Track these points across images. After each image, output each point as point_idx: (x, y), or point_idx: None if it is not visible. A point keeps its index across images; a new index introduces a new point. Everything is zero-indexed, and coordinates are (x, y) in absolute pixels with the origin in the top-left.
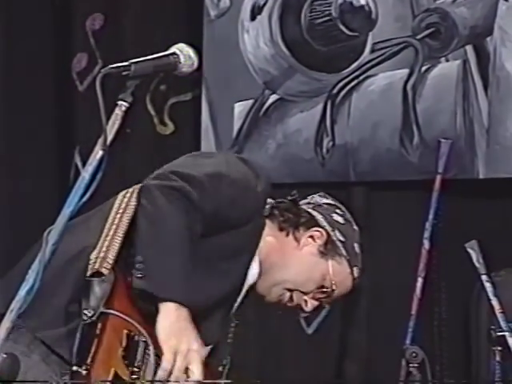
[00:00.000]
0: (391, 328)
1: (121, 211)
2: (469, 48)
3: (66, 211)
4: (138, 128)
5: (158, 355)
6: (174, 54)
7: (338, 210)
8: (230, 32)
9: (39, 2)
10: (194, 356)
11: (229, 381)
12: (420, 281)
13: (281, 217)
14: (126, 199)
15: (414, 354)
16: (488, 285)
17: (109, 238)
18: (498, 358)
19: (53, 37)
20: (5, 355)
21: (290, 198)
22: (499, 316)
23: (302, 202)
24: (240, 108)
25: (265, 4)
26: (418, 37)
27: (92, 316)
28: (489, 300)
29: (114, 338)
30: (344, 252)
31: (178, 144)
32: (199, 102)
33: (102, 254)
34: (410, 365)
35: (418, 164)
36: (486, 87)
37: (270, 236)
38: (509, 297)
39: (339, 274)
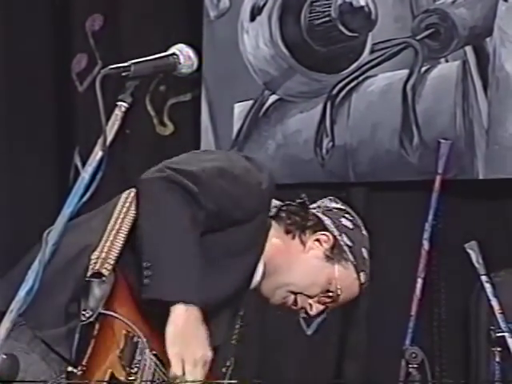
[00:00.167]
0: (391, 328)
1: (124, 211)
2: (468, 49)
3: (66, 211)
4: (138, 128)
5: (158, 357)
6: (173, 54)
7: (347, 215)
8: (229, 33)
9: (39, 2)
10: (198, 363)
11: (232, 381)
12: (420, 281)
13: (288, 219)
14: (129, 199)
15: (413, 355)
16: (487, 285)
17: (111, 239)
18: (497, 359)
19: (52, 37)
20: (4, 356)
21: (298, 200)
22: (499, 316)
23: (311, 206)
24: (240, 108)
25: (264, 5)
26: (418, 37)
27: (90, 317)
28: (488, 300)
29: (112, 338)
30: (351, 257)
31: (178, 144)
32: (199, 102)
33: (103, 255)
34: (410, 365)
35: (418, 165)
36: (485, 88)
37: (275, 238)
38: (508, 297)
39: (345, 278)
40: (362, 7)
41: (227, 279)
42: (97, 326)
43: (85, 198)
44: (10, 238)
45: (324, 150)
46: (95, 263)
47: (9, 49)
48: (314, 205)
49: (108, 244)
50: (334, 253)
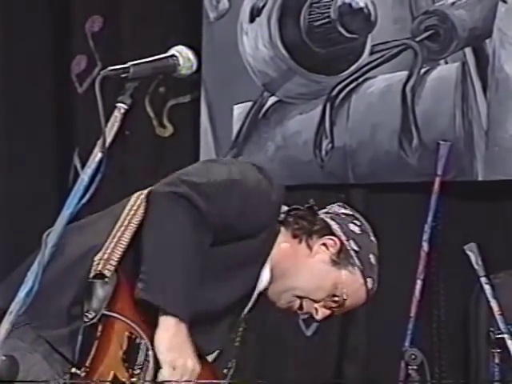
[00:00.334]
0: (390, 330)
1: (132, 213)
2: (468, 50)
3: (66, 213)
4: (137, 130)
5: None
6: (173, 56)
7: (355, 221)
8: (229, 34)
9: (39, 3)
10: (188, 373)
11: (233, 381)
12: (419, 283)
13: (295, 224)
14: (138, 201)
15: (413, 356)
16: (487, 287)
17: (115, 240)
18: (496, 360)
19: (52, 39)
20: (4, 357)
21: (306, 205)
22: (498, 318)
23: (320, 212)
24: (239, 110)
25: (264, 6)
26: (417, 39)
27: (93, 318)
28: (488, 302)
29: (115, 340)
30: (357, 262)
31: (177, 146)
32: (198, 104)
33: (105, 256)
34: (409, 367)
35: (417, 166)
36: (484, 89)
37: (283, 242)
38: (508, 299)
39: (351, 283)
40: (361, 9)
41: (231, 288)
42: (99, 328)
43: (84, 200)
44: (9, 239)
45: (323, 152)
46: (98, 264)
47: (9, 49)
48: (323, 210)
49: (112, 245)
50: (341, 257)
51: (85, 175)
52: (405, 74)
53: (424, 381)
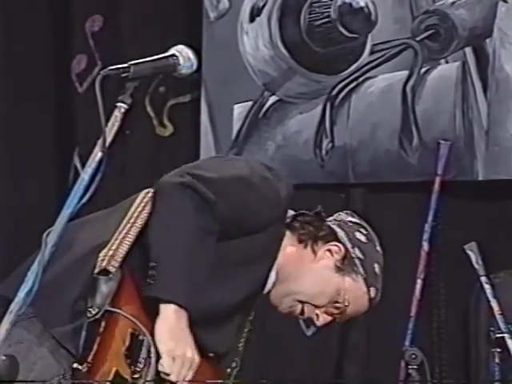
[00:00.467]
0: (390, 329)
1: (139, 210)
2: (468, 50)
3: (66, 213)
4: (138, 130)
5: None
6: (173, 55)
7: (362, 230)
8: (229, 34)
9: (39, 2)
10: (188, 363)
11: (235, 381)
12: (419, 282)
13: (301, 229)
14: (146, 199)
15: (413, 356)
16: (487, 286)
17: (121, 237)
18: (497, 360)
19: (52, 38)
20: (4, 357)
21: (314, 211)
22: (498, 318)
23: (327, 219)
24: (239, 109)
25: (264, 6)
26: (418, 38)
27: (96, 314)
28: (488, 302)
29: (118, 336)
30: (361, 270)
31: (178, 146)
32: (198, 103)
33: (110, 253)
34: (409, 366)
35: (418, 165)
36: (485, 89)
37: (288, 246)
38: (508, 298)
39: (354, 291)
40: (361, 8)
41: (238, 287)
42: (103, 324)
43: (84, 199)
44: (9, 239)
45: (324, 151)
46: (102, 260)
47: (9, 49)
48: (331, 218)
49: (117, 242)
50: (345, 264)
51: (85, 175)
52: (405, 73)
53: (424, 380)
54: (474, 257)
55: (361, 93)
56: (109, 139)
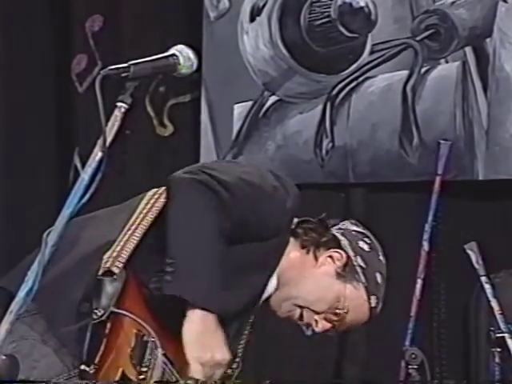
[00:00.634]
0: (390, 329)
1: (145, 211)
2: (468, 49)
3: (66, 212)
4: (138, 129)
5: (167, 356)
6: (173, 55)
7: (365, 239)
8: (229, 33)
9: (39, 2)
10: (216, 367)
11: (237, 381)
12: (419, 282)
13: (304, 235)
14: (152, 200)
15: (413, 356)
16: (487, 286)
17: (126, 238)
18: (497, 360)
19: (52, 38)
20: (4, 357)
21: (318, 218)
22: (498, 317)
23: (332, 227)
24: (239, 109)
25: (264, 5)
26: (418, 38)
27: (102, 315)
28: (488, 301)
29: (124, 337)
30: (363, 278)
31: (178, 145)
32: (198, 103)
33: (114, 254)
34: (410, 366)
35: (418, 165)
36: (485, 88)
37: (291, 252)
38: (508, 298)
39: (354, 299)
40: (361, 8)
41: (240, 292)
42: (108, 325)
43: (84, 199)
44: (9, 239)
45: (324, 151)
46: (106, 262)
47: (9, 49)
48: (335, 226)
49: (122, 243)
50: (346, 271)
51: (85, 174)
52: (405, 73)
53: (424, 380)
54: (474, 256)
55: (361, 92)
56: (109, 139)
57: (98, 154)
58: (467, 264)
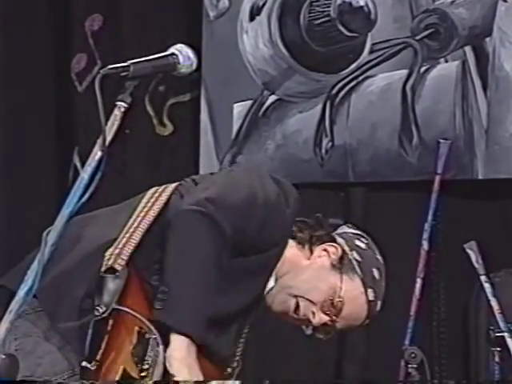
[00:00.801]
0: (390, 329)
1: (146, 210)
2: (468, 49)
3: (65, 212)
4: (137, 129)
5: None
6: (172, 54)
7: (362, 239)
8: (229, 33)
9: (39, 2)
10: None
11: (236, 381)
12: (419, 281)
13: (300, 233)
14: (153, 199)
15: (412, 355)
16: (487, 285)
17: (127, 235)
18: (496, 359)
19: (52, 37)
20: (4, 356)
21: (313, 217)
22: (498, 317)
23: (330, 229)
24: (239, 109)
25: (264, 5)
26: (417, 37)
27: (104, 312)
28: (488, 301)
29: (125, 334)
30: (358, 271)
31: (177, 145)
32: (198, 102)
33: (116, 251)
34: (409, 365)
35: (417, 164)
36: (485, 88)
37: (288, 250)
38: (508, 297)
39: (350, 290)
40: (361, 7)
41: (239, 299)
42: (110, 322)
43: (84, 199)
44: (10, 238)
45: (323, 150)
46: (109, 259)
47: (8, 48)
48: (334, 232)
49: (124, 241)
50: (342, 263)
51: (85, 174)
52: (405, 72)
53: (424, 380)
54: (473, 256)
55: (360, 92)
56: (109, 138)
57: (97, 154)
58: (467, 263)
